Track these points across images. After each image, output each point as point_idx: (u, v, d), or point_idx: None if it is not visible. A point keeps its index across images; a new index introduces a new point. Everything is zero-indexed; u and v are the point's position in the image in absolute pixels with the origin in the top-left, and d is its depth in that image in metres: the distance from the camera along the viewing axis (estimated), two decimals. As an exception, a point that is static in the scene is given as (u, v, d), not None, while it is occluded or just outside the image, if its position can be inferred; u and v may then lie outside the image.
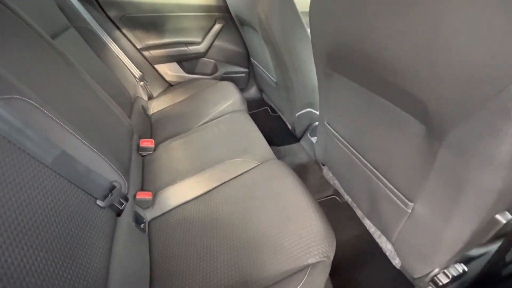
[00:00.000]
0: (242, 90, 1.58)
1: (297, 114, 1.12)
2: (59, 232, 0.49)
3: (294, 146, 1.25)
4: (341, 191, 0.86)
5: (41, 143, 0.52)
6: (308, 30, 0.89)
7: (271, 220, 0.66)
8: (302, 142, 1.24)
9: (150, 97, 1.42)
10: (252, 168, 0.82)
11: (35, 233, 0.45)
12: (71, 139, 0.59)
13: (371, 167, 0.62)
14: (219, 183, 0.81)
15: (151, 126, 1.22)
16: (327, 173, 0.93)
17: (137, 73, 1.37)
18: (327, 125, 0.77)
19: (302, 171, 1.14)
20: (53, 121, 0.56)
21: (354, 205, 0.82)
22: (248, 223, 0.68)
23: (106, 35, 1.24)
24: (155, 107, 1.34)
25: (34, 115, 0.53)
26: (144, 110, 1.27)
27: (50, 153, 0.53)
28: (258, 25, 0.90)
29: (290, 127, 1.23)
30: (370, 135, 0.60)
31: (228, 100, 1.17)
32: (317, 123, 1.15)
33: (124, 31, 1.30)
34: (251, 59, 1.43)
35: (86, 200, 0.59)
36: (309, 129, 1.16)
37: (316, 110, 1.13)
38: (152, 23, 1.33)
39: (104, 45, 1.18)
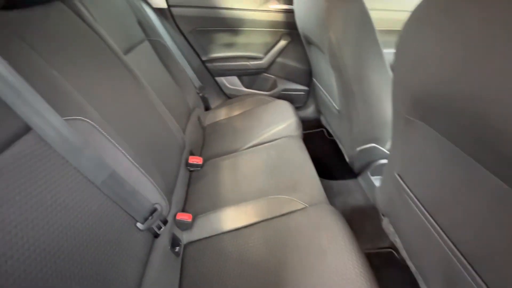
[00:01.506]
0: (299, 108, 1.50)
1: (358, 148, 0.98)
2: (95, 257, 0.49)
3: (350, 182, 1.11)
4: (403, 253, 0.71)
5: (95, 163, 0.53)
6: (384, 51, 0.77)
7: (313, 282, 0.56)
8: (360, 179, 1.09)
9: (207, 108, 1.45)
10: (299, 210, 0.73)
11: (72, 257, 0.45)
12: (122, 160, 0.60)
13: (456, 249, 0.47)
14: (261, 219, 0.74)
15: (204, 138, 1.23)
16: (387, 226, 0.78)
17: (198, 84, 1.41)
18: (397, 176, 0.64)
19: (356, 214, 1.00)
20: (109, 142, 0.57)
21: (418, 277, 0.66)
22: (286, 275, 0.60)
23: (176, 47, 1.30)
24: (210, 118, 1.35)
25: (93, 136, 0.55)
26: (200, 121, 1.29)
27: (101, 173, 0.54)
28: (327, 48, 0.81)
29: (348, 159, 1.09)
30: (462, 209, 0.45)
31: (283, 122, 1.11)
32: (380, 161, 1.00)
33: (192, 43, 1.35)
34: (313, 78, 1.33)
35: (127, 222, 0.59)
36: (370, 166, 1.01)
37: (382, 147, 0.98)
38: (219, 37, 1.35)
39: (172, 57, 1.23)
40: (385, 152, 0.97)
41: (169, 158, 0.85)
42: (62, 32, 0.62)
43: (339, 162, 1.19)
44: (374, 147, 0.97)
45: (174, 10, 1.26)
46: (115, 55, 0.77)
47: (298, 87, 1.50)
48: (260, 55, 1.41)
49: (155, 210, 0.65)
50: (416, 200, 0.58)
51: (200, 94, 1.40)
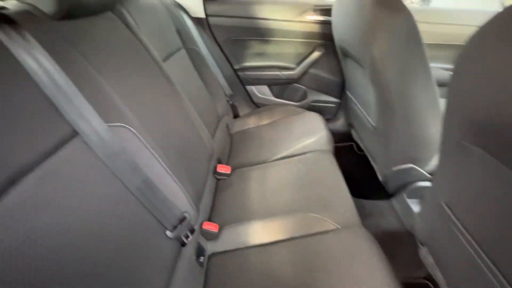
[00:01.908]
0: (328, 120, 1.46)
1: (394, 168, 0.92)
2: (123, 261, 0.49)
3: (383, 203, 1.04)
4: None
5: (132, 169, 0.54)
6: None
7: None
8: (394, 201, 1.02)
9: (236, 116, 1.45)
10: (331, 231, 0.69)
11: (102, 260, 0.45)
12: (157, 167, 0.60)
13: None
14: (288, 236, 0.71)
15: (231, 145, 1.23)
16: (425, 257, 0.72)
17: (228, 92, 1.42)
18: (444, 206, 0.58)
19: (389, 239, 0.93)
20: (146, 149, 0.58)
21: None
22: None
23: (210, 55, 1.33)
24: (238, 126, 1.35)
25: (132, 142, 0.56)
26: (228, 128, 1.30)
27: (136, 179, 0.54)
28: (368, 63, 0.78)
29: (381, 178, 1.03)
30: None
31: (313, 135, 1.07)
32: (418, 183, 0.93)
33: (226, 52, 1.37)
34: (346, 91, 1.29)
35: (156, 229, 0.59)
36: (406, 188, 0.95)
37: (421, 168, 0.91)
38: (252, 46, 1.36)
39: (206, 64, 1.26)
40: (424, 174, 0.91)
41: (199, 165, 0.85)
42: (109, 40, 0.65)
43: (370, 180, 1.13)
44: (412, 168, 0.91)
45: (211, 20, 1.28)
46: (155, 63, 0.79)
47: (329, 99, 1.46)
48: (292, 65, 1.40)
49: (184, 218, 0.65)
50: (466, 233, 0.52)
51: (230, 102, 1.41)
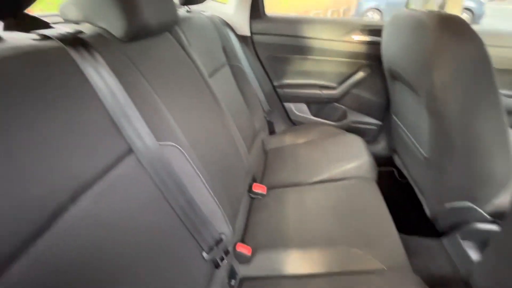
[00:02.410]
0: (368, 142, 1.38)
1: (448, 205, 0.83)
2: (159, 280, 0.48)
3: (432, 243, 0.94)
4: None
5: (177, 188, 0.54)
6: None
7: None
8: (445, 241, 0.92)
9: (272, 132, 1.44)
10: (376, 272, 0.63)
11: (140, 276, 0.45)
12: (200, 186, 0.60)
13: None
14: (328, 270, 0.67)
15: (266, 162, 1.21)
16: None
17: (266, 108, 1.42)
18: None
19: (438, 285, 0.83)
20: (192, 168, 0.58)
21: None
22: None
23: (251, 71, 1.34)
24: (274, 143, 1.33)
25: (179, 161, 0.56)
26: (263, 144, 1.29)
27: (181, 198, 0.54)
28: (426, 91, 0.72)
29: (429, 213, 0.94)
30: None
31: (354, 160, 1.02)
32: (476, 224, 0.82)
33: (267, 68, 1.38)
34: (392, 114, 1.22)
35: (193, 249, 0.58)
36: (460, 228, 0.84)
37: (480, 207, 0.81)
38: (294, 63, 1.36)
39: (247, 80, 1.27)
40: (483, 214, 0.80)
41: (236, 183, 0.84)
42: (166, 60, 0.68)
43: (415, 212, 1.03)
44: (470, 207, 0.81)
45: (255, 37, 1.31)
46: (203, 79, 0.81)
47: (370, 121, 1.39)
48: (333, 84, 1.36)
49: (221, 240, 0.64)
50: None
51: (267, 118, 1.40)
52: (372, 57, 1.23)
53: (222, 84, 1.04)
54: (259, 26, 1.31)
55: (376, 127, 1.39)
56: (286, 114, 1.48)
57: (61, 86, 0.39)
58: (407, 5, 1.09)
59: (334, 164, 1.02)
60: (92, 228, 0.39)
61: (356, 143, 1.12)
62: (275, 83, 1.41)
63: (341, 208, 0.82)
